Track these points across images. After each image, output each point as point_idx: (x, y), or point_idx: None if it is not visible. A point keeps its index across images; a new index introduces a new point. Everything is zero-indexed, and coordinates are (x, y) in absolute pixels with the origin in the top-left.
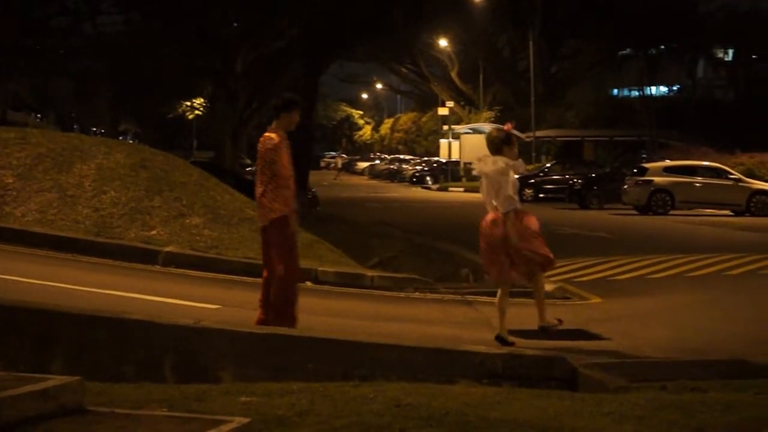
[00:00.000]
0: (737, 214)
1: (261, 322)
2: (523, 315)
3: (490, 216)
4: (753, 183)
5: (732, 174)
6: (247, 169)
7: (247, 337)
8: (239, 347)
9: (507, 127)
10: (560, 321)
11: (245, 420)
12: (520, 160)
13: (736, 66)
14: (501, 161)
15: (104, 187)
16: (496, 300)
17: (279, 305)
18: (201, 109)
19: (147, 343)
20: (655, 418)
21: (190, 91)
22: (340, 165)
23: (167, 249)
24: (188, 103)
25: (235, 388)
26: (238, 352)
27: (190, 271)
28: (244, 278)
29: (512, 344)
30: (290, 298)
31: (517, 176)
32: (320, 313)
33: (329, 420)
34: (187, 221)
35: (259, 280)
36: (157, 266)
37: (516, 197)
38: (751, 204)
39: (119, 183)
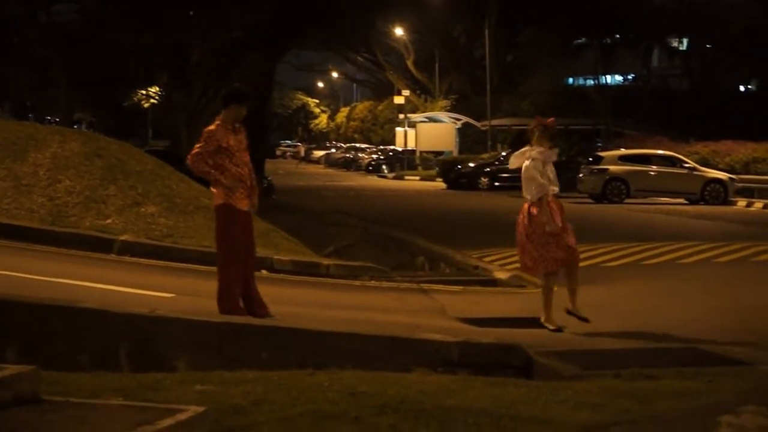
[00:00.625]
0: (692, 202)
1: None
2: (481, 303)
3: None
4: (707, 172)
5: (686, 163)
6: None
7: (203, 326)
8: (194, 336)
9: (548, 121)
10: (560, 329)
11: (200, 409)
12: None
13: (691, 55)
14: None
15: (59, 175)
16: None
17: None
18: (156, 98)
19: (102, 332)
20: (610, 405)
21: (145, 79)
22: (302, 153)
23: (122, 238)
24: (144, 92)
25: (191, 377)
26: (193, 340)
27: (146, 260)
28: (199, 267)
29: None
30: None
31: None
32: (276, 302)
33: (284, 408)
34: (143, 210)
35: (214, 268)
36: (113, 255)
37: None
38: (706, 192)
39: (74, 172)
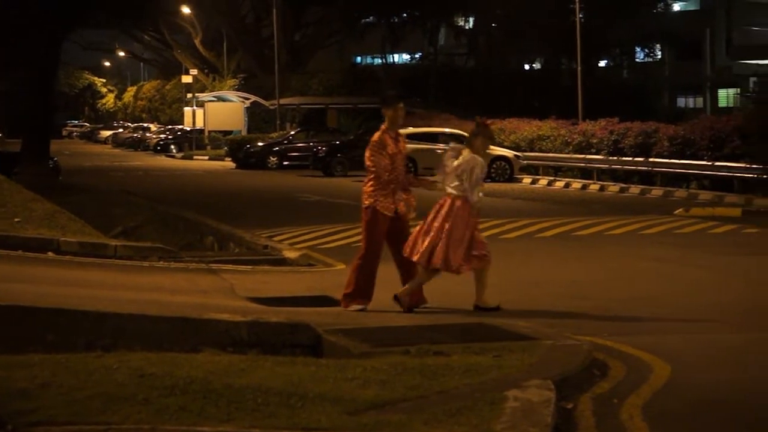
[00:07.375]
0: None
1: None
2: (271, 282)
3: None
4: (493, 149)
5: None
6: None
7: None
8: None
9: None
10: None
11: None
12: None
13: (477, 34)
14: None
15: None
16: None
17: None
18: None
19: None
20: (398, 382)
21: None
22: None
23: None
24: None
25: None
26: None
27: None
28: None
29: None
30: None
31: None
32: (63, 284)
33: (72, 391)
34: None
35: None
36: None
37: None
38: (492, 170)
39: None
